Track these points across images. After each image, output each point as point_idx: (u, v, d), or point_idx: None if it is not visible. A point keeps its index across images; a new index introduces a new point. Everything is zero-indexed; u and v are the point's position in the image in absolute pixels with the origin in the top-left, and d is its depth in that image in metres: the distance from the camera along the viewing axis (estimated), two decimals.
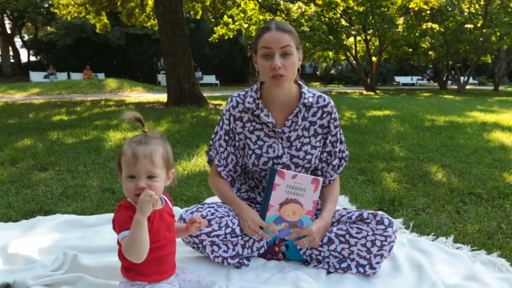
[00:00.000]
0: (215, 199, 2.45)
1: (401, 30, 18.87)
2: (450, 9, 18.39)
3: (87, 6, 12.97)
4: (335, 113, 1.92)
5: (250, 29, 16.53)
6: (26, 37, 33.88)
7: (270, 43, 1.72)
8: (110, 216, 2.40)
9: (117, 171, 1.44)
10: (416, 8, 17.67)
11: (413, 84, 32.32)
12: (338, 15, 18.71)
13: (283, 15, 14.29)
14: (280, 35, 1.72)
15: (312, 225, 1.74)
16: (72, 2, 13.04)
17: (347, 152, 1.98)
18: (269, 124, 1.86)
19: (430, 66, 28.93)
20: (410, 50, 22.52)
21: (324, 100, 1.91)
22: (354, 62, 20.84)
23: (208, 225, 1.73)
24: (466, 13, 19.56)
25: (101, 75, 23.92)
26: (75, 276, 1.64)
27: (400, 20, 19.78)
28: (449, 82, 27.78)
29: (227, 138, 1.91)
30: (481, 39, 19.38)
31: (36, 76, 22.88)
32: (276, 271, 1.80)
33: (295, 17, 14.11)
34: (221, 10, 14.65)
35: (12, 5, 25.46)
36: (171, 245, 1.51)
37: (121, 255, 1.44)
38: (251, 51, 1.88)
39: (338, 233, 1.79)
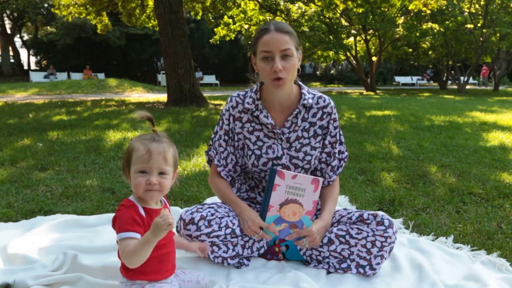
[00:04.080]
0: (215, 199, 2.45)
1: (401, 30, 18.87)
2: (450, 9, 18.38)
3: (88, 6, 12.96)
4: (335, 114, 1.92)
5: (250, 29, 16.53)
6: (26, 37, 33.87)
7: (270, 46, 1.70)
8: (110, 216, 2.39)
9: (124, 168, 1.46)
10: (416, 10, 17.68)
11: (413, 84, 32.30)
12: (338, 15, 18.71)
13: (283, 16, 14.28)
14: (280, 37, 1.70)
15: (312, 225, 1.74)
16: (72, 3, 13.04)
17: (346, 153, 1.98)
18: (269, 125, 1.86)
19: (430, 66, 28.93)
20: (410, 50, 22.51)
21: (324, 101, 1.90)
22: (354, 62, 20.84)
23: (208, 225, 1.73)
24: (466, 13, 19.56)
25: (101, 75, 23.93)
26: (75, 276, 1.64)
27: (401, 20, 19.78)
28: (449, 82, 27.78)
29: (226, 138, 1.91)
30: (481, 39, 19.38)
31: (36, 76, 22.88)
32: (276, 271, 1.80)
33: (295, 17, 14.11)
34: (221, 11, 14.64)
35: (12, 5, 25.44)
36: (171, 244, 1.52)
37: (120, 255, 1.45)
38: (250, 52, 1.87)
39: (338, 234, 1.79)
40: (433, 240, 2.20)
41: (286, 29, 1.73)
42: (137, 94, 16.42)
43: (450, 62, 24.20)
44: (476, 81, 33.51)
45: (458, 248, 2.11)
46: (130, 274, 1.43)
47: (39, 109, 8.78)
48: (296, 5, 14.77)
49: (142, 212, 1.41)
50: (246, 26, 16.37)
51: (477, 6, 19.86)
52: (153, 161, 1.39)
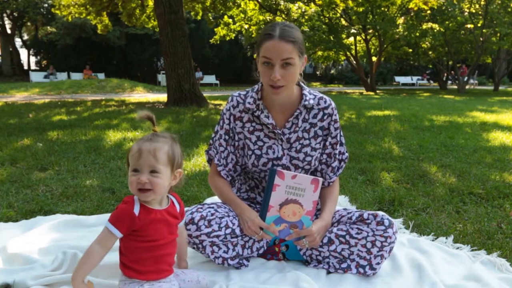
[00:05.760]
0: (215, 199, 2.45)
1: (401, 30, 18.87)
2: (450, 9, 18.38)
3: (88, 6, 12.97)
4: (335, 115, 1.92)
5: (250, 29, 16.52)
6: (26, 37, 33.86)
7: (271, 54, 1.66)
8: None
9: (127, 168, 1.49)
10: (416, 8, 17.68)
11: (413, 84, 32.28)
12: (338, 15, 18.71)
13: (283, 15, 14.28)
14: (282, 45, 1.65)
15: (312, 225, 1.74)
16: (72, 3, 13.05)
17: (347, 154, 1.98)
18: (269, 126, 1.86)
19: (430, 66, 28.91)
20: (410, 50, 22.51)
21: (325, 102, 1.90)
22: (354, 62, 20.83)
23: (208, 225, 1.74)
24: (466, 13, 19.55)
25: (101, 75, 23.91)
26: None
27: (401, 20, 19.78)
28: (449, 82, 27.78)
29: (227, 137, 1.91)
30: (481, 39, 19.38)
31: (36, 76, 22.87)
32: (276, 271, 1.80)
33: (295, 17, 14.11)
34: (221, 11, 14.63)
35: (12, 5, 25.44)
36: (171, 246, 1.51)
37: (120, 252, 1.46)
38: (255, 51, 1.86)
39: (338, 234, 1.79)
40: (433, 240, 2.20)
41: (290, 37, 1.67)
42: (137, 94, 16.42)
43: (450, 62, 24.20)
44: (476, 81, 33.50)
45: (458, 248, 2.11)
46: (127, 272, 1.44)
47: (39, 109, 8.78)
48: (296, 5, 14.77)
49: (137, 210, 1.41)
50: (246, 26, 16.36)
51: (477, 6, 19.85)
52: (142, 159, 1.40)
